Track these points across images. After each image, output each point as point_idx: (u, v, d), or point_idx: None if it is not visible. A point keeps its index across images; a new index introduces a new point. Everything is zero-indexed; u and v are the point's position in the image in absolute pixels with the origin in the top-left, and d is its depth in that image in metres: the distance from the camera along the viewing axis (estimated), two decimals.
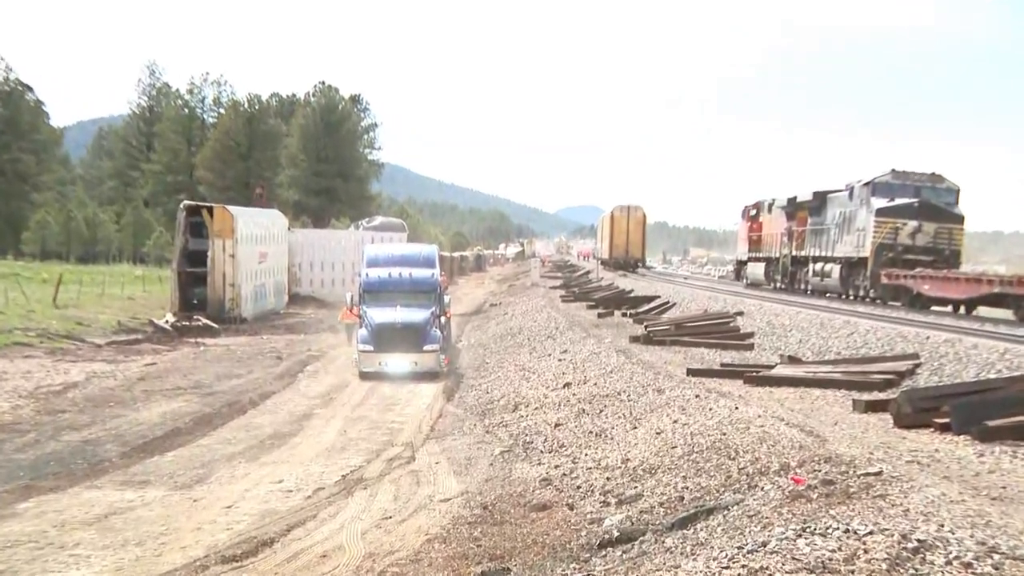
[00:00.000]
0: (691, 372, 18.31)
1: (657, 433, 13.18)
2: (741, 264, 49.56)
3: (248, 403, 20.91)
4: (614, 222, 64.38)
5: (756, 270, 45.71)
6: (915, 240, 31.21)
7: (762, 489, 9.31)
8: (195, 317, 36.41)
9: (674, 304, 33.89)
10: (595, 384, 18.65)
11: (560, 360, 23.12)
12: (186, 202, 42.12)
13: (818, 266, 37.26)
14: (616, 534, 9.37)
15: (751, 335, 24.05)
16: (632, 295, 40.24)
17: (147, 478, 14.11)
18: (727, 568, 6.67)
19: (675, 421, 13.50)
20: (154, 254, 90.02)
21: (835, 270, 35.18)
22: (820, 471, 9.31)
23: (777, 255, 42.57)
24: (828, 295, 36.47)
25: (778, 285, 42.21)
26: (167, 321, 35.94)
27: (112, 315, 37.61)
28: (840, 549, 6.55)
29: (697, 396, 14.90)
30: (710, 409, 13.64)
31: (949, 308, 28.44)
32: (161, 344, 31.58)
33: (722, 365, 19.63)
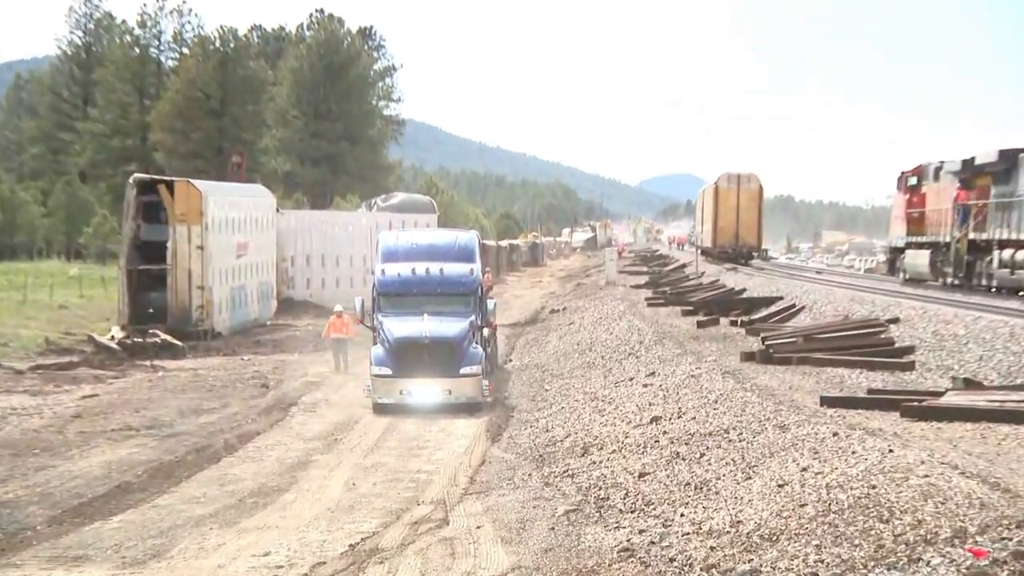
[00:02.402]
0: (826, 401, 18.27)
1: (780, 486, 13.04)
2: (896, 252, 48.63)
3: (223, 448, 21.16)
4: (719, 197, 64.11)
5: (917, 260, 44.88)
6: None
7: (928, 564, 9.17)
8: (151, 332, 36.99)
9: (802, 308, 33.53)
10: (693, 418, 18.66)
11: (646, 386, 23.03)
12: (138, 175, 42.80)
13: (1007, 253, 36.64)
14: None
15: (910, 350, 23.83)
16: (744, 296, 39.78)
17: (85, 552, 14.24)
18: None
19: (804, 469, 13.35)
20: (95, 246, 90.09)
21: None
22: (1011, 539, 9.15)
23: (947, 239, 41.97)
24: (1022, 293, 35.86)
25: (949, 280, 41.60)
26: (113, 338, 36.55)
27: (38, 330, 38.31)
28: None
29: (835, 435, 14.69)
30: (853, 452, 13.43)
31: None
32: (105, 369, 32.09)
33: (869, 392, 19.51)
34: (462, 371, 25.63)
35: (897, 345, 24.44)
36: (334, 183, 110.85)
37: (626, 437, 18.82)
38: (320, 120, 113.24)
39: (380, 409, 25.34)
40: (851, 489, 11.91)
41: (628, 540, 12.99)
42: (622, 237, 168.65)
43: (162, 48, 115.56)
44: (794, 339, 25.63)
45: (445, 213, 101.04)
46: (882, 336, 25.55)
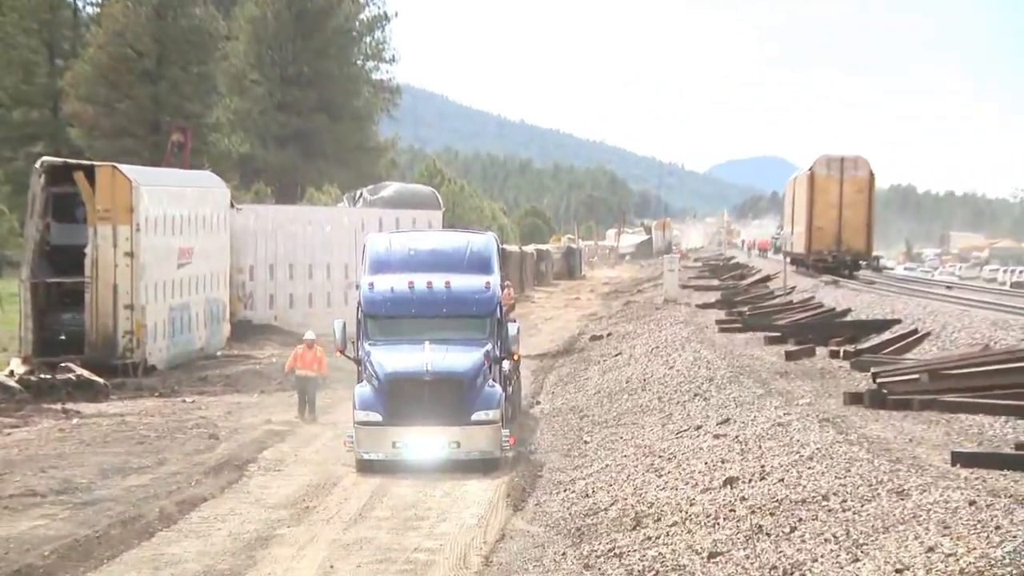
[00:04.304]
0: (960, 459, 18.24)
1: (898, 571, 13.06)
2: None
3: (158, 519, 21.15)
4: (816, 188, 63.91)
5: None
6: None
7: None
8: (63, 366, 36.95)
9: (926, 335, 33.50)
10: (781, 480, 18.66)
11: (717, 437, 23.10)
12: (47, 159, 42.92)
13: None
14: None
15: None
16: (849, 319, 39.81)
17: None
18: None
19: (931, 549, 13.36)
20: None
21: None
22: None
23: None
24: None
25: None
26: (12, 373, 36.52)
27: None
28: None
29: (972, 503, 14.70)
30: (997, 528, 13.43)
31: None
32: (1, 415, 32.09)
33: (1018, 447, 19.52)
34: (474, 417, 25.63)
35: None
36: (307, 169, 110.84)
37: (691, 505, 18.83)
38: (288, 86, 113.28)
39: (366, 467, 25.36)
40: None
41: None
42: (692, 240, 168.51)
43: None
44: (916, 376, 25.56)
45: (452, 209, 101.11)
46: None
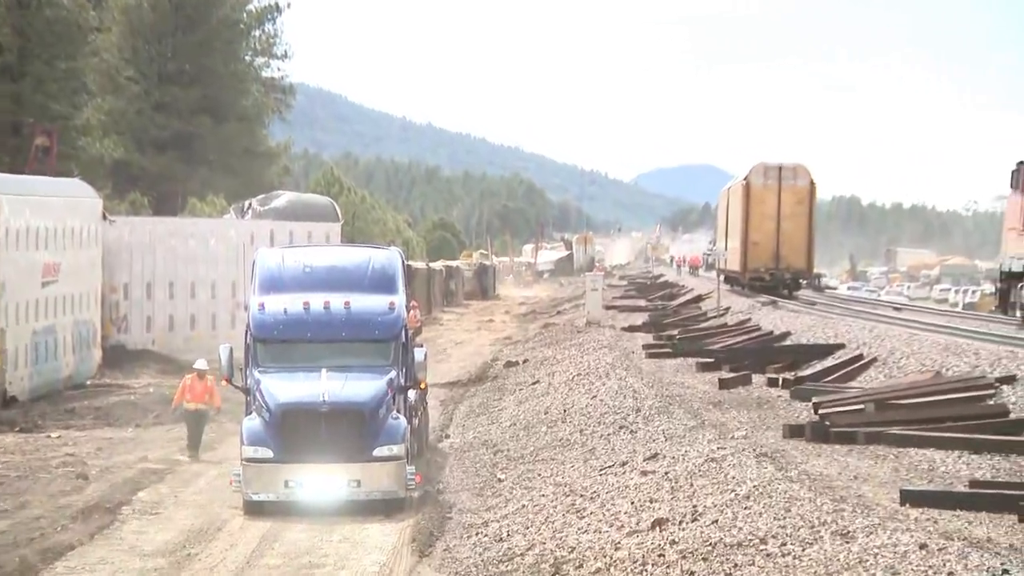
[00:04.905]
0: (909, 498, 18.38)
1: None
2: (1012, 279, 48.81)
3: (17, 570, 20.82)
4: (751, 199, 64.19)
5: None
6: None
7: None
8: None
9: (872, 361, 33.76)
10: (715, 522, 18.62)
11: (645, 474, 23.15)
12: None
13: None
14: None
15: None
16: (788, 344, 40.19)
17: None
18: None
19: None
20: None
21: None
22: None
23: None
24: None
25: None
26: None
27: None
28: None
29: (923, 547, 14.80)
30: (951, 575, 13.57)
31: None
32: None
33: (972, 484, 19.60)
34: (376, 453, 25.47)
35: (1013, 416, 24.56)
36: (189, 177, 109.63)
37: (616, 549, 18.79)
38: (167, 85, 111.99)
39: (255, 509, 25.10)
40: None
41: None
42: (617, 256, 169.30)
43: None
44: (861, 406, 25.71)
45: (352, 221, 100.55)
46: (991, 403, 25.64)
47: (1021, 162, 46.83)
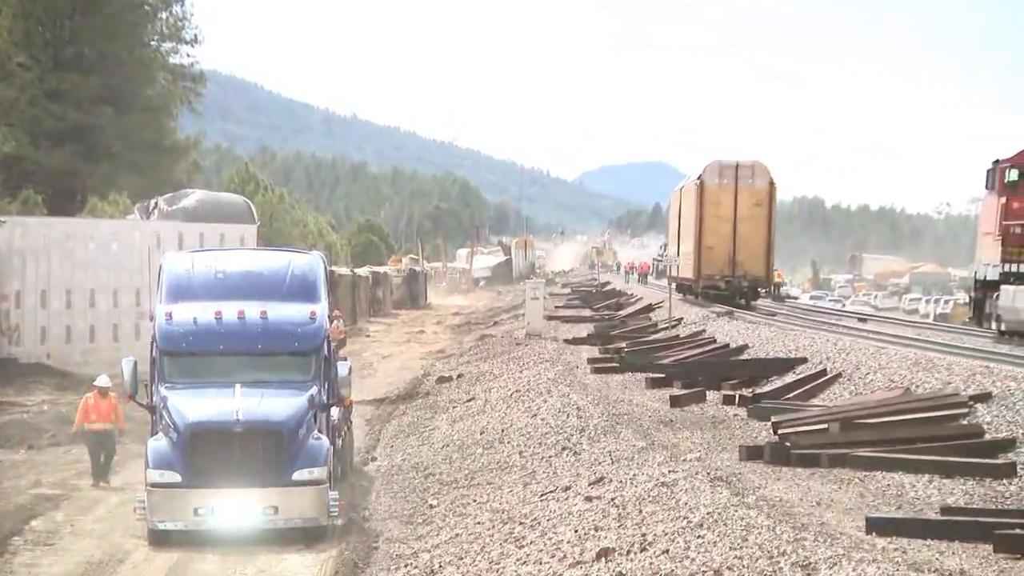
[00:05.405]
0: (875, 526, 18.39)
1: None
2: (987, 288, 48.69)
3: None
4: (705, 200, 64.02)
5: (1022, 301, 44.94)
6: None
7: None
8: None
9: (836, 376, 34.03)
10: (665, 552, 18.39)
11: (590, 500, 22.88)
12: None
13: None
14: None
15: (1008, 444, 24.14)
16: (745, 358, 40.48)
17: None
18: None
19: None
20: None
21: None
22: None
23: None
24: None
25: None
26: None
27: None
28: None
29: None
30: None
31: None
32: None
33: (944, 511, 19.80)
34: (295, 476, 24.72)
35: (988, 437, 24.67)
36: (89, 173, 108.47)
37: None
38: (64, 72, 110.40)
39: (161, 539, 24.28)
40: None
41: None
42: (555, 262, 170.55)
43: None
44: (825, 426, 25.98)
45: (270, 223, 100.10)
46: (964, 422, 25.84)
47: (997, 161, 47.26)
